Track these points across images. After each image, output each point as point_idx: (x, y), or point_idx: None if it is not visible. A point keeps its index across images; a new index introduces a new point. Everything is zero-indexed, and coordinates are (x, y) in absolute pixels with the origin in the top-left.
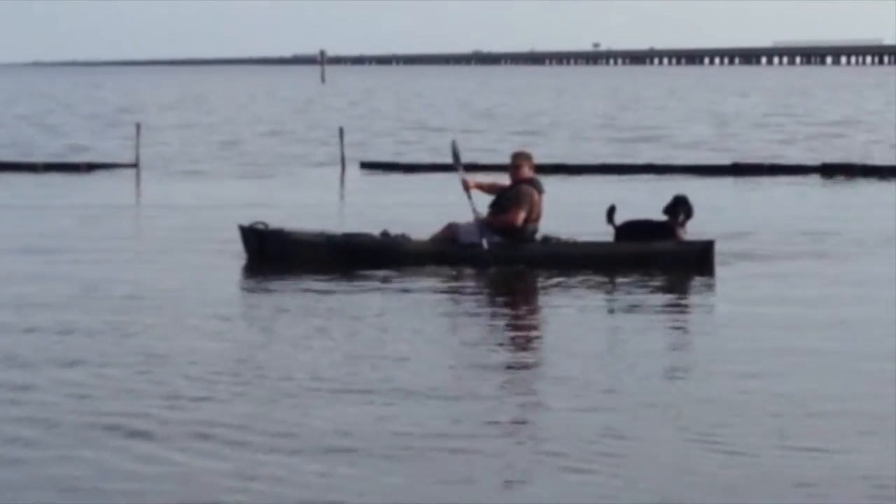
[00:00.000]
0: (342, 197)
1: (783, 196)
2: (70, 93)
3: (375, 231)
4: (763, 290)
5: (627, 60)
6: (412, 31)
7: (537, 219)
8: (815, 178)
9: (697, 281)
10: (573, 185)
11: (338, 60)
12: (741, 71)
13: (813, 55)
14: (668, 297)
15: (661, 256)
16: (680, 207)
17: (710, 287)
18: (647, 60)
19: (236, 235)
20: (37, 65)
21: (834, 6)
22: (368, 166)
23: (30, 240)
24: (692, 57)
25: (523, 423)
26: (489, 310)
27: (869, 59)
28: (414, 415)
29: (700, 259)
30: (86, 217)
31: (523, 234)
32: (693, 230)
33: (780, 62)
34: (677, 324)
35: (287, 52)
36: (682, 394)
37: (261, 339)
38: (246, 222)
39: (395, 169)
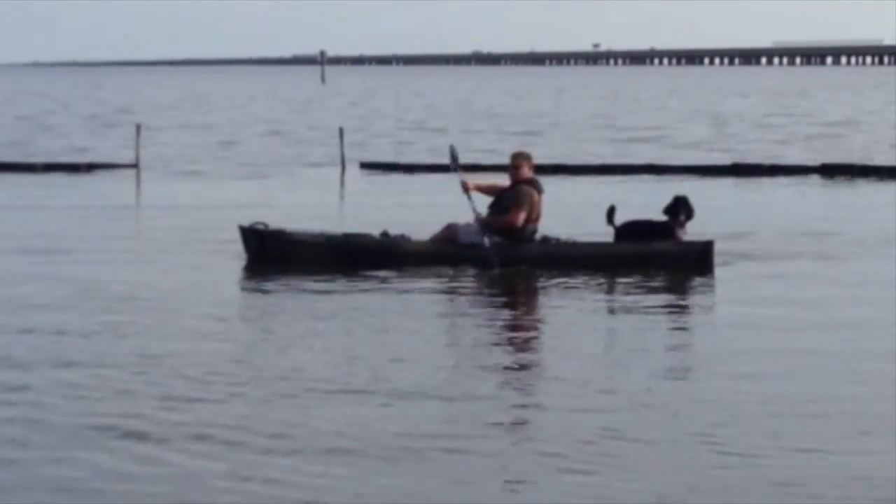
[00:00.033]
0: (342, 197)
1: (783, 196)
2: (70, 93)
3: (375, 231)
4: (763, 290)
5: (627, 61)
6: (412, 32)
7: (537, 219)
8: (815, 179)
9: (697, 281)
10: (573, 186)
11: (338, 61)
12: (741, 71)
13: (813, 55)
14: (667, 298)
15: (661, 257)
16: (680, 208)
17: (710, 287)
18: (647, 61)
19: (236, 236)
20: (36, 65)
21: (834, 6)
22: (368, 167)
23: (29, 240)
24: (692, 57)
25: (522, 423)
26: (488, 310)
27: (869, 59)
28: (412, 415)
29: (700, 259)
30: (85, 217)
31: (523, 235)
32: (693, 230)
33: (780, 62)
34: (677, 324)
35: (287, 53)
36: (682, 394)
37: (259, 340)
38: (246, 223)
39: (395, 169)
